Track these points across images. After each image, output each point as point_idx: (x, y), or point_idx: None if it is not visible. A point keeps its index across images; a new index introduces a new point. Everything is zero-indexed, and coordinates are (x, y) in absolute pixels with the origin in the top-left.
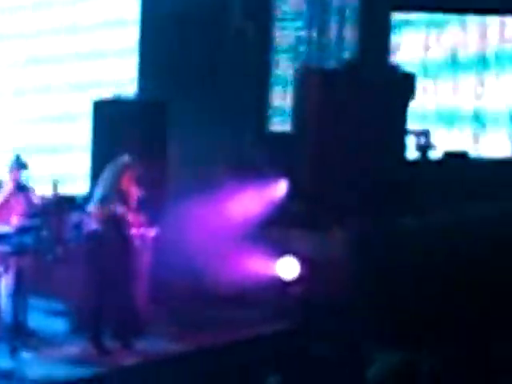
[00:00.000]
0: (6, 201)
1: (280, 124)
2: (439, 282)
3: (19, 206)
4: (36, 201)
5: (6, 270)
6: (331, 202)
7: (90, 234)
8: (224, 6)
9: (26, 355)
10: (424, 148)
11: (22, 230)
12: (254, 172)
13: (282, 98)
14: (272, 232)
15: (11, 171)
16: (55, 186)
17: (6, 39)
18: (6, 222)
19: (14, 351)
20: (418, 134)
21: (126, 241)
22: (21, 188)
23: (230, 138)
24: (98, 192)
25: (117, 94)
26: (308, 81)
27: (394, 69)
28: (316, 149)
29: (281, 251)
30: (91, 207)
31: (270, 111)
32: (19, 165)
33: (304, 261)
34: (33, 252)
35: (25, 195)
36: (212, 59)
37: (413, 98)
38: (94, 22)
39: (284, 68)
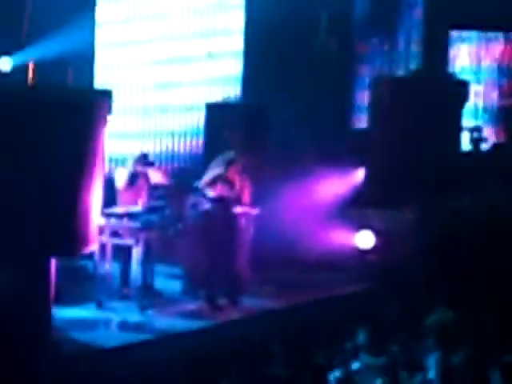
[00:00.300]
0: (133, 186)
1: (360, 122)
2: (487, 251)
3: (144, 189)
4: (160, 184)
5: (137, 242)
6: (400, 186)
7: (203, 213)
8: (311, 25)
9: (152, 311)
10: (476, 141)
11: (149, 210)
12: (337, 161)
13: (361, 101)
14: (352, 211)
15: (135, 163)
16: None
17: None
18: (135, 203)
19: (143, 308)
20: (472, 129)
21: (231, 218)
22: (145, 175)
23: (319, 134)
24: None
25: (225, 99)
26: (381, 86)
27: (452, 76)
28: (387, 143)
29: (359, 226)
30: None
31: (352, 111)
32: (145, 163)
33: (378, 234)
34: (158, 228)
35: (149, 181)
36: (303, 69)
37: (467, 101)
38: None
39: (362, 76)
